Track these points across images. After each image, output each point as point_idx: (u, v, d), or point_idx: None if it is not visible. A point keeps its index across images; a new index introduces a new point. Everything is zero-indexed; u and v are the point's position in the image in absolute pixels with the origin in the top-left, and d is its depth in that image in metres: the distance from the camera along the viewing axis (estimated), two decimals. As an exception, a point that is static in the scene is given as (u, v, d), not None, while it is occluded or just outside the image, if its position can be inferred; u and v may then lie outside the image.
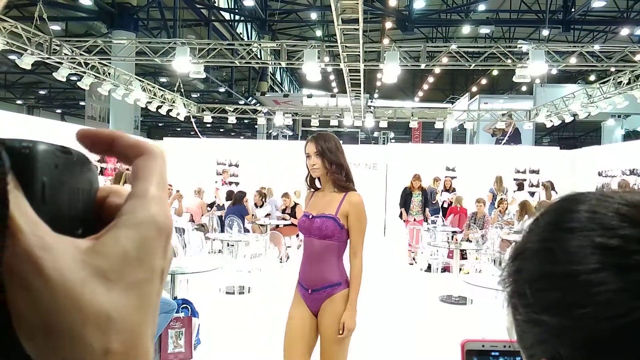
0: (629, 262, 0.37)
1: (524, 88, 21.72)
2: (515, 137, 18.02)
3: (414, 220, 9.12)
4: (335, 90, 22.42)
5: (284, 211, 9.18)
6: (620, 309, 0.36)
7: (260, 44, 11.31)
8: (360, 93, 13.52)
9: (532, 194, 11.97)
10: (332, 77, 21.82)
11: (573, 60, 10.25)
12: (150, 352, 0.27)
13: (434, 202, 10.52)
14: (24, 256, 0.23)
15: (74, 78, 11.69)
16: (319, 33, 21.72)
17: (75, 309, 0.23)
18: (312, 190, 2.64)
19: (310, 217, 2.46)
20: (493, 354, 0.75)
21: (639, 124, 18.86)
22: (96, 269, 0.25)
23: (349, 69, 10.76)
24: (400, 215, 9.51)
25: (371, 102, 23.44)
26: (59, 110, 27.58)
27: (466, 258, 7.79)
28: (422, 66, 9.94)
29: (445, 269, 7.95)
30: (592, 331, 0.37)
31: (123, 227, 0.26)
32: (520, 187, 11.47)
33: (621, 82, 11.10)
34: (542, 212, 0.45)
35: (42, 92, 24.99)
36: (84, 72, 10.51)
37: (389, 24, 17.64)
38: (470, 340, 0.76)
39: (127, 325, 0.25)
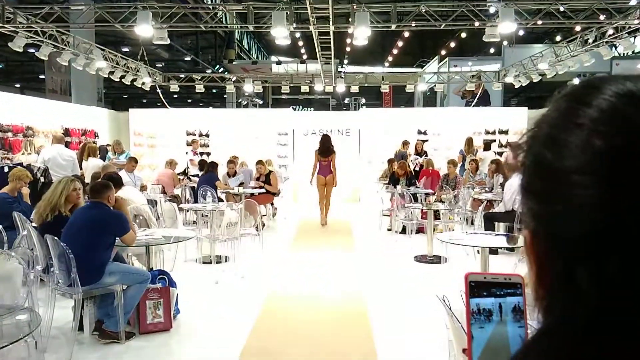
0: (614, 172, 0.36)
1: (492, 50, 21.80)
2: (484, 99, 18.19)
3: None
4: (305, 56, 22.08)
5: (258, 179, 9.09)
6: (592, 216, 0.36)
7: (225, 7, 10.94)
8: (330, 58, 13.33)
9: (499, 154, 12.17)
10: (300, 43, 21.44)
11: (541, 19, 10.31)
12: None
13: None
14: None
15: (31, 50, 11.15)
16: (285, -3, 21.16)
17: None
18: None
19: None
20: (494, 285, 0.75)
21: (604, 82, 19.21)
22: None
23: (319, 32, 10.56)
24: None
25: (342, 68, 23.21)
26: (18, 85, 26.44)
27: (439, 218, 7.91)
28: (393, 27, 9.82)
29: (420, 230, 8.07)
30: (561, 228, 0.39)
31: None
32: (487, 147, 11.65)
33: (587, 40, 11.23)
34: (564, 95, 0.43)
35: (-2, 66, 23.85)
36: (42, 42, 10.02)
37: (357, -14, 17.30)
38: (472, 273, 0.76)
39: None
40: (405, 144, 11.69)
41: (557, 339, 0.40)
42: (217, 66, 22.08)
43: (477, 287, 0.75)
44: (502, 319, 0.73)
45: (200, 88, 15.58)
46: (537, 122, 0.44)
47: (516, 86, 15.29)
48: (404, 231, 8.21)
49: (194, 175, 10.22)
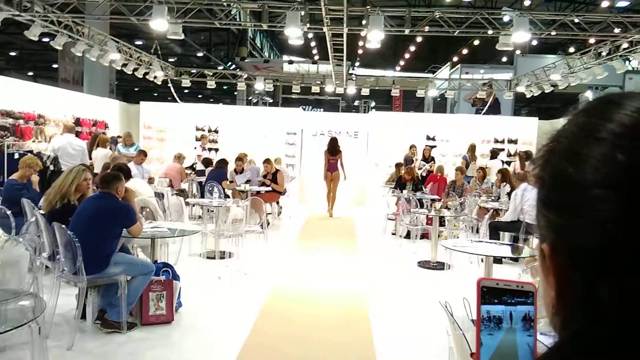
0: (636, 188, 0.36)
1: (504, 59, 21.72)
2: (494, 108, 18.13)
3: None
4: (317, 57, 22.10)
5: (264, 177, 9.12)
6: (613, 230, 0.36)
7: (240, 5, 10.98)
8: (342, 59, 13.34)
9: (508, 163, 12.13)
10: (313, 43, 21.47)
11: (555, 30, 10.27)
12: None
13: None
14: None
15: (46, 39, 11.22)
16: (300, -3, 21.19)
17: None
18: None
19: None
20: (505, 292, 0.75)
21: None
22: None
23: (332, 34, 10.57)
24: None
25: (353, 70, 23.21)
26: (30, 73, 26.64)
27: (444, 225, 7.89)
28: (406, 31, 9.81)
29: (424, 236, 8.05)
30: (582, 241, 0.38)
31: None
32: (494, 155, 11.60)
33: (601, 53, 11.18)
34: (582, 111, 0.44)
35: (12, 54, 24.03)
36: (57, 32, 10.09)
37: (372, -10, 17.31)
38: (485, 278, 0.76)
39: None
40: (412, 147, 11.66)
41: (575, 353, 0.39)
42: (229, 63, 22.17)
43: (488, 293, 0.75)
44: (512, 327, 0.73)
45: (211, 84, 15.64)
46: (555, 136, 0.44)
47: (527, 96, 15.23)
48: (408, 236, 8.20)
49: (200, 171, 10.27)
